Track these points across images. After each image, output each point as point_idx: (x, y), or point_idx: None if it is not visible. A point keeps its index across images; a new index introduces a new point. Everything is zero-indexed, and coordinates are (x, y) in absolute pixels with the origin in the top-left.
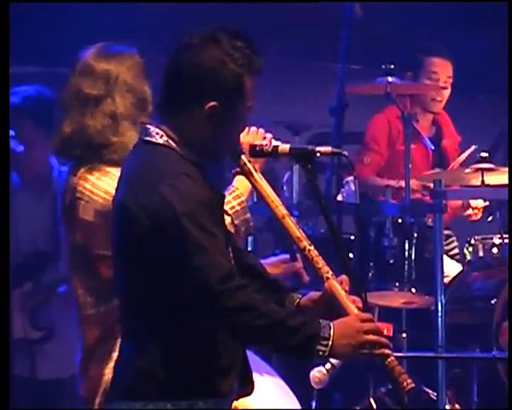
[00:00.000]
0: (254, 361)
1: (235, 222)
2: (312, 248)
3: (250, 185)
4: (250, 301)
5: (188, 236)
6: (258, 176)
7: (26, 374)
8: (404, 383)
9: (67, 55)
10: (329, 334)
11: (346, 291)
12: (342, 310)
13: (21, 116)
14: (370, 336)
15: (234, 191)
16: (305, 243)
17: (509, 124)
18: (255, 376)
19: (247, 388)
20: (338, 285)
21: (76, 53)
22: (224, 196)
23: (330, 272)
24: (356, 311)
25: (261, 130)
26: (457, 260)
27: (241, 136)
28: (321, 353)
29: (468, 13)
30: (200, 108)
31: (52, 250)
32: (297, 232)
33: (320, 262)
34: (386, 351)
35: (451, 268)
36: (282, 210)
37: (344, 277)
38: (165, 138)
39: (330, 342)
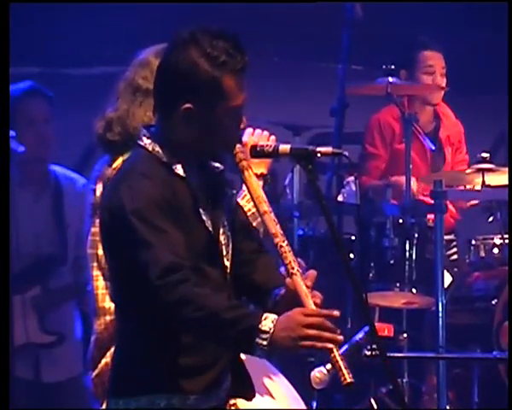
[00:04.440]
0: (261, 364)
1: (254, 224)
2: (285, 244)
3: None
4: (189, 295)
5: (135, 232)
6: (250, 172)
7: (29, 377)
8: (342, 378)
9: (67, 56)
10: (270, 327)
11: (308, 287)
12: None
13: (38, 95)
14: (310, 330)
15: (246, 195)
16: (279, 239)
17: (508, 124)
18: (266, 380)
19: (242, 389)
20: (301, 281)
21: (76, 54)
22: (197, 198)
23: (296, 268)
24: (313, 306)
25: (266, 132)
26: (455, 266)
27: (247, 137)
28: (261, 346)
29: (469, 13)
30: (176, 109)
31: (57, 254)
32: (273, 229)
33: (288, 258)
34: (329, 345)
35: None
36: (264, 207)
37: (311, 272)
38: (148, 141)
39: (269, 336)
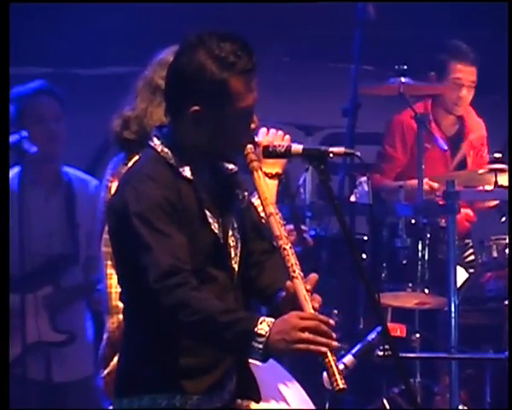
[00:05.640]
0: (276, 370)
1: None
2: (288, 247)
3: (275, 189)
4: (186, 299)
5: (137, 235)
6: (260, 174)
7: (41, 378)
8: (334, 384)
9: (70, 57)
10: (266, 331)
11: (308, 290)
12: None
13: (49, 94)
14: (305, 334)
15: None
16: (282, 242)
17: (508, 124)
18: (281, 386)
19: (247, 391)
20: (301, 284)
21: (84, 54)
22: (204, 201)
23: (297, 272)
24: (311, 310)
25: (280, 132)
26: (471, 266)
27: (261, 137)
28: (257, 349)
29: (472, 13)
30: (185, 111)
31: (68, 253)
32: (277, 231)
33: (290, 262)
34: (323, 349)
35: (458, 275)
36: (270, 209)
37: (313, 275)
38: (158, 142)
39: (265, 339)
